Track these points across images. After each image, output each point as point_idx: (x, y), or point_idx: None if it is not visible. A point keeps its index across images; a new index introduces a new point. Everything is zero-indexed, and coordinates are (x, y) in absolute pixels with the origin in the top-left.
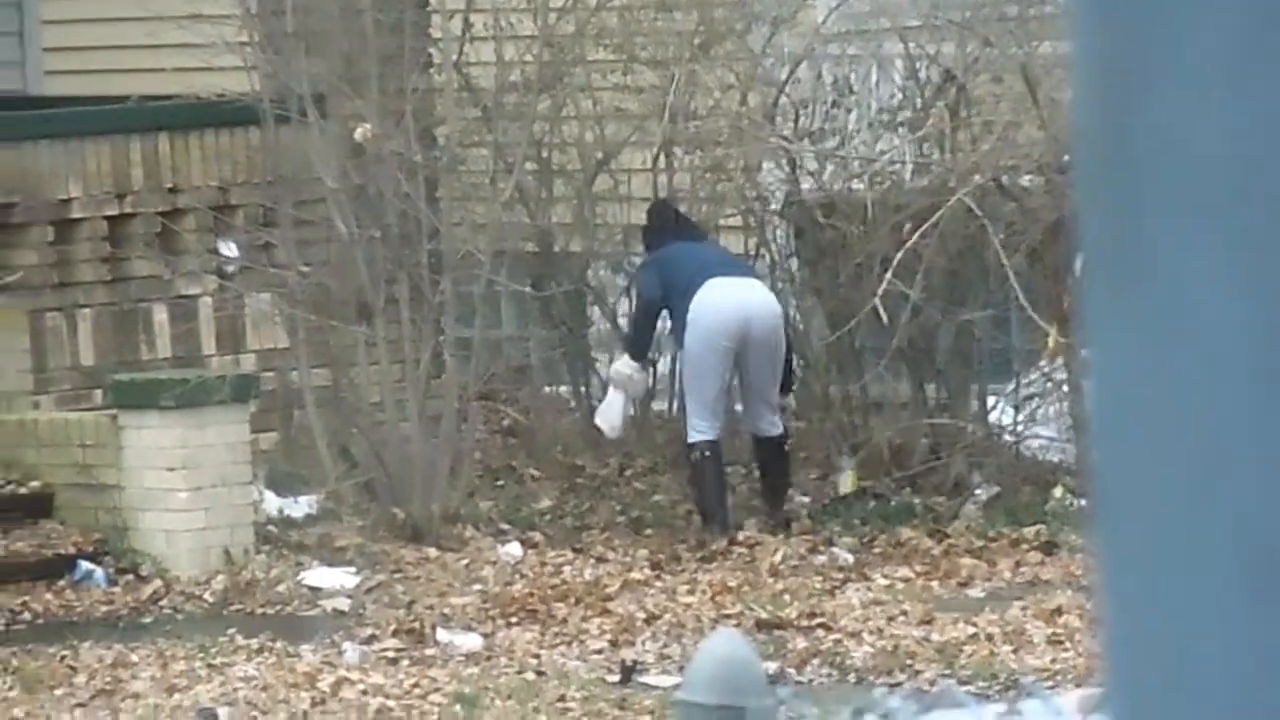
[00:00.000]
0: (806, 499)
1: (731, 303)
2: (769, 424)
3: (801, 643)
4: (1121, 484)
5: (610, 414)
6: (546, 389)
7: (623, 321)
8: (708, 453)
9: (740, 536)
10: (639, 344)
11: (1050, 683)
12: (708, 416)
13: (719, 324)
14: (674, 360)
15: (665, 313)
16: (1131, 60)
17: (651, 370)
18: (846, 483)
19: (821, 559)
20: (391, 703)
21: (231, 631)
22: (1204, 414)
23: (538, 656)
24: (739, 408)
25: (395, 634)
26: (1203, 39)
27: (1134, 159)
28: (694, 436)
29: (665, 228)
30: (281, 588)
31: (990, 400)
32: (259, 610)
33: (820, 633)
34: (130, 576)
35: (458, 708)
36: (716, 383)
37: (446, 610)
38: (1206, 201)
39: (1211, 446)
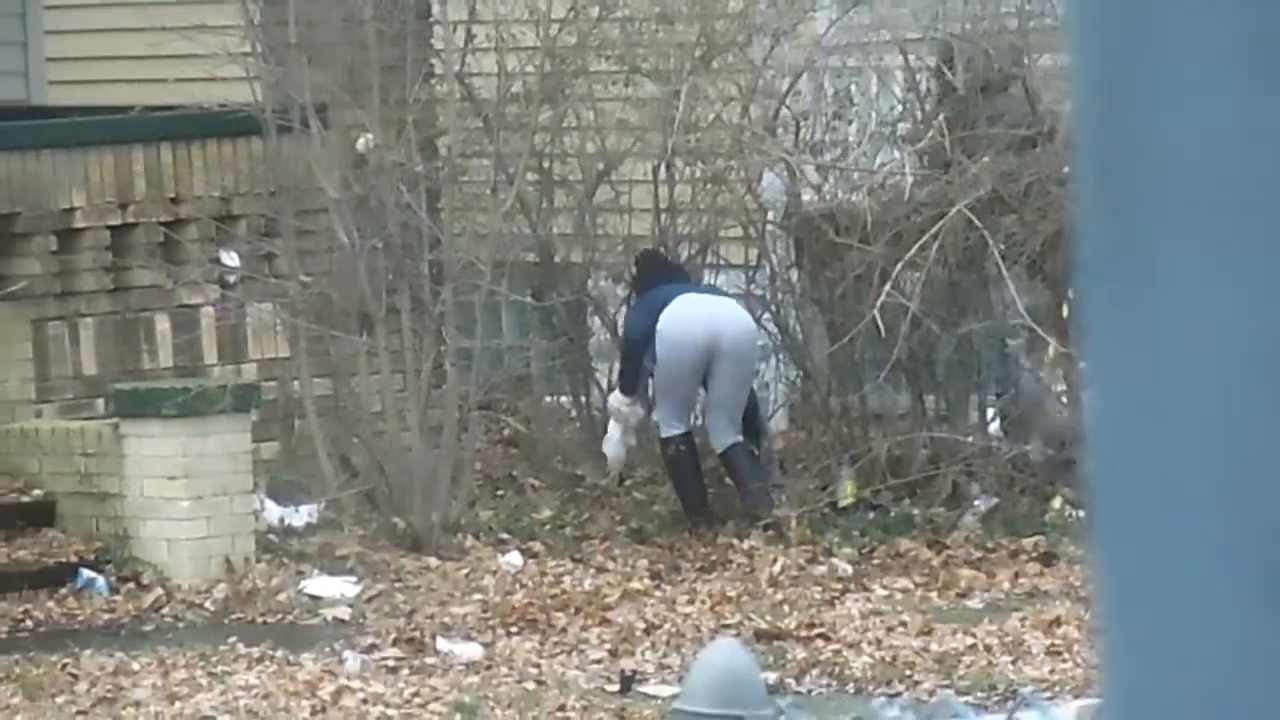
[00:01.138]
0: (805, 508)
1: (699, 315)
2: (725, 435)
3: (801, 653)
4: (1120, 494)
5: (610, 445)
6: (547, 399)
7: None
8: (683, 446)
9: (745, 545)
10: (627, 381)
11: (1049, 694)
12: (680, 414)
13: (687, 335)
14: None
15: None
16: (1129, 71)
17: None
18: (845, 492)
19: (820, 569)
20: (392, 711)
21: (232, 640)
22: (1204, 423)
23: (538, 666)
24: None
25: (396, 643)
26: (1198, 50)
27: (1133, 169)
28: (667, 432)
29: (653, 273)
30: (282, 596)
31: (990, 411)
32: (260, 619)
33: (819, 643)
34: (131, 585)
35: (458, 717)
36: (685, 391)
37: (447, 619)
38: (1206, 211)
39: (1214, 456)
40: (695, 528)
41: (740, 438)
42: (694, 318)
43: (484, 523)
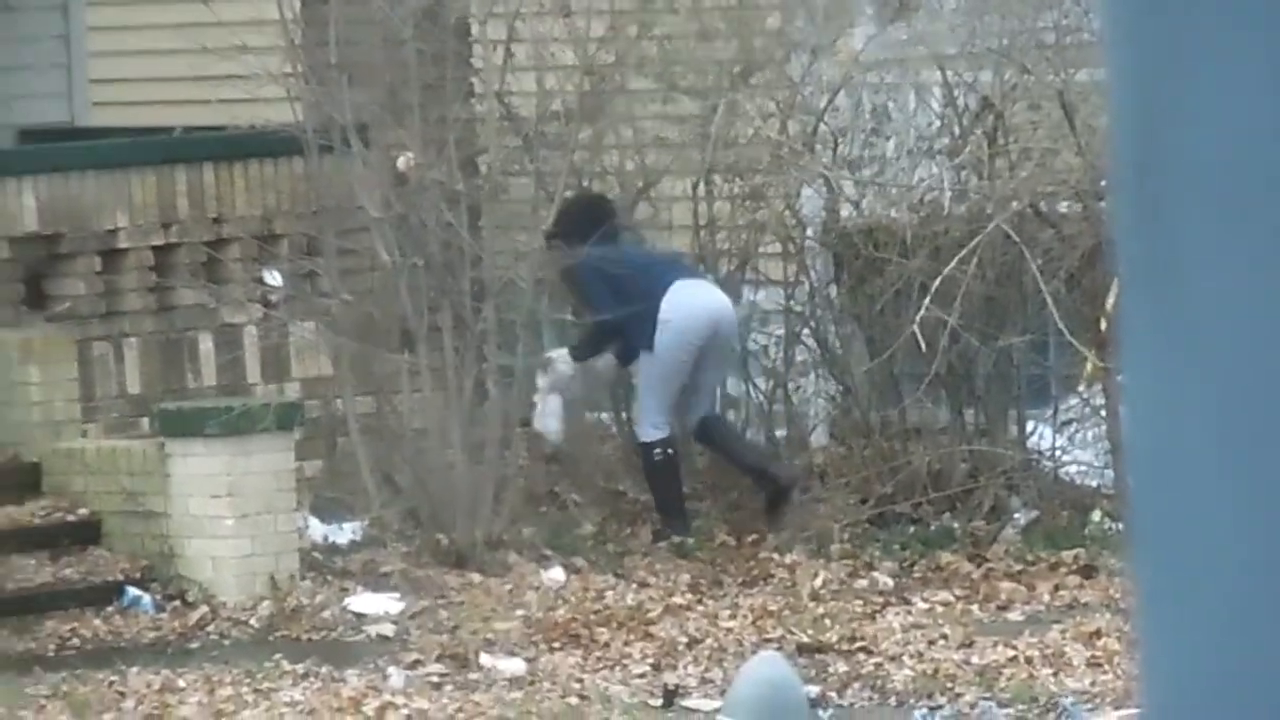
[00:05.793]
0: (846, 522)
1: (702, 303)
2: (706, 408)
3: (842, 666)
4: (1158, 507)
5: (553, 420)
6: (588, 416)
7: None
8: (670, 450)
9: (786, 560)
10: (589, 354)
11: (1089, 705)
12: (664, 413)
13: (693, 324)
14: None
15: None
16: (1164, 84)
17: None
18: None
19: (862, 583)
20: None
21: (277, 657)
22: (1243, 434)
23: (580, 681)
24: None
25: (439, 659)
26: (1232, 62)
27: (1169, 182)
28: (651, 435)
29: (592, 223)
30: (326, 613)
31: (1029, 425)
32: (304, 636)
33: (861, 656)
34: (177, 603)
35: None
36: (679, 381)
37: (490, 635)
38: (1243, 222)
39: (1253, 467)
40: (671, 536)
41: (713, 411)
42: (697, 307)
43: (526, 539)
